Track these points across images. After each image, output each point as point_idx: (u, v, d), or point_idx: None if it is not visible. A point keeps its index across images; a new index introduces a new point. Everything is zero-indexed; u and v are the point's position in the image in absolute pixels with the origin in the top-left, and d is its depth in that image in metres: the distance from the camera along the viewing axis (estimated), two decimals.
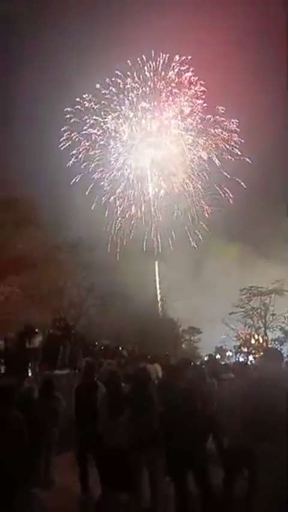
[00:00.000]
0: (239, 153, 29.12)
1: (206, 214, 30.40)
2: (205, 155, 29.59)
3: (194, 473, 4.12)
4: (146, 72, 29.11)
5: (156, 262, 30.39)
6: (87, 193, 28.75)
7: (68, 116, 28.46)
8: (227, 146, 29.22)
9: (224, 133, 29.35)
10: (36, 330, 10.48)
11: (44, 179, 22.44)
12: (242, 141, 28.99)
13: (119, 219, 29.81)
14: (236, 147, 29.02)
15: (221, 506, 4.12)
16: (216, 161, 29.44)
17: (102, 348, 14.36)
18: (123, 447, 4.61)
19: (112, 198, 29.74)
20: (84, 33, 23.82)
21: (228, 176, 29.36)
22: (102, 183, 29.64)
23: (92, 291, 23.41)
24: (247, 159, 28.84)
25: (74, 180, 28.42)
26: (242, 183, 28.97)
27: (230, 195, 29.57)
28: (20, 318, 15.49)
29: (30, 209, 18.41)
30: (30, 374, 7.84)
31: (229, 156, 29.32)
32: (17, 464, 4.02)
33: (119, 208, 30.02)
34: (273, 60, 22.59)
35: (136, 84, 29.20)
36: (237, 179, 28.92)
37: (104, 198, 29.71)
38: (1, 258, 16.17)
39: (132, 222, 29.94)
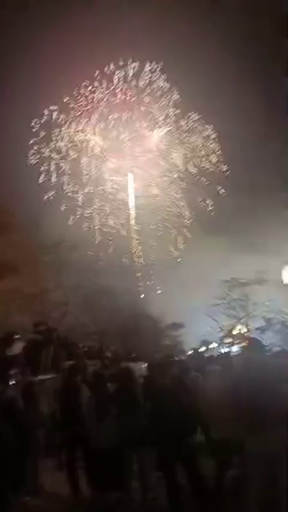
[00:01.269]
0: (214, 160, 29.29)
1: (187, 221, 30.50)
2: (181, 164, 29.64)
3: (184, 466, 4.12)
4: (116, 82, 28.65)
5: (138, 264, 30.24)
6: (62, 209, 28.00)
7: (36, 129, 27.64)
8: (203, 153, 29.34)
9: (199, 140, 29.42)
10: (17, 336, 10.26)
11: (18, 195, 21.80)
12: (219, 147, 29.11)
13: (97, 233, 29.34)
14: (213, 154, 29.16)
15: (214, 496, 4.14)
16: (193, 169, 29.55)
17: (86, 349, 14.23)
18: (112, 447, 4.58)
19: (88, 212, 29.22)
20: (50, 42, 23.15)
21: (205, 182, 29.43)
22: (76, 196, 29.00)
23: (76, 290, 23.18)
24: (224, 167, 29.01)
25: (47, 197, 27.60)
26: (220, 189, 29.07)
27: (209, 201, 29.70)
28: (1, 323, 15.23)
29: (7, 216, 18.07)
30: (13, 381, 7.66)
31: (206, 164, 29.48)
32: (5, 475, 3.91)
33: (96, 224, 29.52)
34: (252, 65, 23.02)
35: (106, 95, 28.74)
36: (216, 186, 29.02)
37: (78, 213, 29.05)
38: None
39: (111, 238, 29.51)
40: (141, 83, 28.74)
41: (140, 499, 4.76)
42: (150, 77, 28.50)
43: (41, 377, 9.28)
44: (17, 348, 9.87)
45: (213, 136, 29.22)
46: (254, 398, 3.64)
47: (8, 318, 16.80)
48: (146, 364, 7.98)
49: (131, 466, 4.96)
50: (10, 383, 6.58)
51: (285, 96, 22.51)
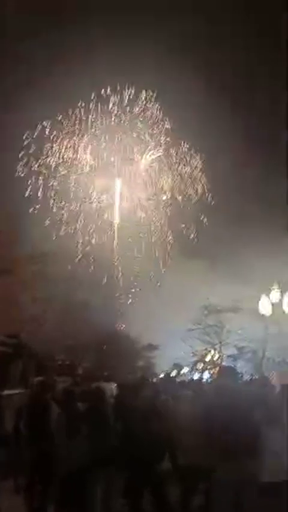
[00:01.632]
0: (199, 189, 30.14)
1: (169, 246, 31.01)
2: (167, 189, 30.32)
3: (150, 492, 4.01)
4: (111, 105, 29.32)
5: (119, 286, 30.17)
6: (46, 225, 27.93)
7: (27, 142, 27.76)
8: (190, 183, 30.18)
9: (186, 169, 30.22)
10: None
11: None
12: (204, 177, 30.11)
13: (79, 251, 29.30)
14: (198, 183, 30.03)
15: None
16: (179, 196, 30.24)
17: (59, 362, 13.90)
18: (79, 467, 4.44)
19: (72, 229, 29.25)
20: (50, 58, 23.39)
21: (189, 209, 30.11)
22: (61, 212, 29.00)
23: (51, 304, 22.77)
24: (209, 198, 29.81)
25: (32, 210, 27.44)
26: (203, 218, 29.81)
27: (192, 228, 30.38)
28: None
29: None
30: None
31: (191, 192, 30.32)
32: None
33: (79, 241, 29.53)
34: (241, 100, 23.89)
35: (99, 117, 29.28)
36: (199, 214, 29.74)
37: (63, 230, 29.02)
38: None
39: (92, 257, 29.52)
40: (135, 109, 29.44)
41: None
42: (144, 104, 29.22)
43: (7, 392, 8.99)
44: None
45: (200, 166, 29.96)
46: (226, 425, 3.61)
47: None
48: (116, 384, 7.84)
49: (97, 489, 4.80)
50: None
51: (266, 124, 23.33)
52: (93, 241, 29.47)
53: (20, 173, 27.29)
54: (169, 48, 23.65)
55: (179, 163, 30.00)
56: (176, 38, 24.04)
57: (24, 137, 26.92)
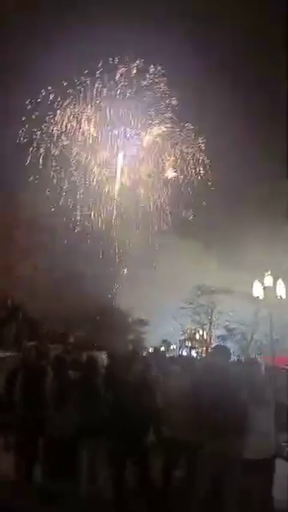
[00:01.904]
0: (202, 172, 29.67)
1: (165, 224, 30.76)
2: (169, 170, 29.84)
3: (134, 462, 4.15)
4: (118, 76, 28.24)
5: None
6: (47, 192, 27.32)
7: (30, 107, 26.80)
8: (192, 163, 29.63)
9: (189, 149, 29.66)
10: None
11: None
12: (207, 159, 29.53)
13: (78, 222, 28.97)
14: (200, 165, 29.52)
15: (159, 495, 4.18)
16: (180, 177, 29.77)
17: (50, 331, 14.07)
18: (68, 434, 4.57)
19: (71, 201, 28.77)
20: (56, 23, 22.33)
21: (190, 193, 29.73)
22: (62, 183, 28.44)
23: (46, 272, 22.83)
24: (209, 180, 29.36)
25: (32, 178, 26.84)
26: (203, 201, 29.41)
27: (190, 210, 30.04)
28: None
29: None
30: None
31: (193, 174, 29.85)
32: None
33: (77, 213, 29.11)
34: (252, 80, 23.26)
35: (105, 87, 28.30)
36: (199, 196, 29.35)
37: (62, 201, 28.53)
38: None
39: (90, 229, 29.23)
40: (143, 82, 28.53)
41: (87, 490, 4.76)
42: (152, 79, 28.32)
43: (1, 354, 9.13)
44: None
45: (202, 146, 29.49)
46: (214, 402, 3.69)
47: None
48: (106, 354, 7.95)
49: (83, 456, 4.97)
50: None
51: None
52: (92, 214, 29.28)
53: (22, 139, 26.71)
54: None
55: (182, 142, 29.60)
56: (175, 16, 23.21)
57: (27, 102, 26.27)
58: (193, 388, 4.19)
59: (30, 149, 26.91)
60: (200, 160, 29.49)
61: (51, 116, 27.48)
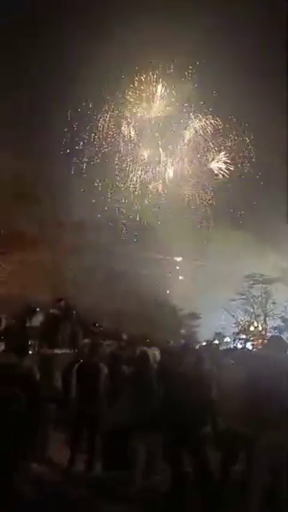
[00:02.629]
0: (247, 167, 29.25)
1: (212, 218, 30.54)
2: (215, 164, 29.56)
3: (191, 455, 4.14)
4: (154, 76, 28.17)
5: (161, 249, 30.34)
6: (93, 201, 27.88)
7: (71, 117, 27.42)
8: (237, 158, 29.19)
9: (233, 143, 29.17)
10: (37, 309, 10.49)
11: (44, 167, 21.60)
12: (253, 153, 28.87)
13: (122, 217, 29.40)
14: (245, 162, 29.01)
15: (217, 487, 4.15)
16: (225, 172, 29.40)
17: (102, 329, 14.39)
18: (123, 427, 4.67)
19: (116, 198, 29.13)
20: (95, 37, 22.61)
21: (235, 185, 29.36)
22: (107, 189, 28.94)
23: (96, 272, 23.42)
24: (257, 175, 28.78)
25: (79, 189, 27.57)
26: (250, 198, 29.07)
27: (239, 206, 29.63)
28: (21, 295, 15.57)
29: (30, 185, 17.97)
30: (30, 352, 7.85)
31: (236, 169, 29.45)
32: (15, 440, 4.04)
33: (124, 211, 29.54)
34: None
35: (143, 88, 28.42)
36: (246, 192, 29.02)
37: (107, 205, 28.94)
38: (3, 233, 16.06)
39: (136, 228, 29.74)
40: (181, 79, 28.32)
41: (144, 482, 4.84)
42: (191, 74, 27.96)
43: (57, 351, 9.48)
44: (36, 320, 10.11)
45: (248, 141, 28.90)
46: (269, 395, 3.60)
47: (27, 290, 17.15)
48: (159, 350, 7.99)
49: (140, 449, 5.05)
50: (28, 354, 6.72)
51: None
52: (137, 215, 29.59)
53: (65, 150, 27.36)
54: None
55: (227, 137, 29.03)
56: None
57: (68, 113, 26.86)
58: (247, 380, 4.11)
59: (74, 159, 27.65)
60: (247, 156, 29.00)
61: (91, 125, 28.06)
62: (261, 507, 3.54)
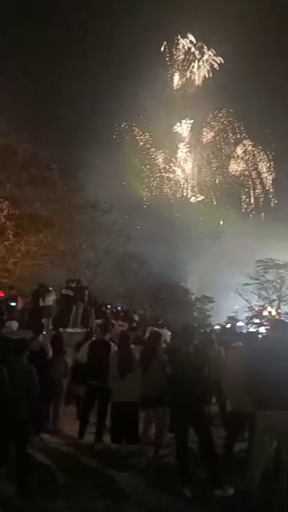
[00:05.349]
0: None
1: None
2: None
3: (195, 430, 4.29)
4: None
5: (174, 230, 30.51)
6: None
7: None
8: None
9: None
10: (50, 289, 10.73)
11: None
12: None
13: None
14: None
15: (221, 462, 4.31)
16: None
17: (114, 310, 14.64)
18: (131, 402, 4.88)
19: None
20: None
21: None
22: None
23: (109, 253, 23.57)
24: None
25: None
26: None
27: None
28: (36, 276, 15.85)
29: (46, 166, 17.98)
30: (44, 330, 8.11)
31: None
32: (28, 411, 4.24)
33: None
34: None
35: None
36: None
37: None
38: (19, 215, 16.22)
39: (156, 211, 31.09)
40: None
41: (152, 454, 5.05)
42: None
43: (70, 330, 9.74)
44: (50, 300, 10.37)
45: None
46: (271, 374, 3.68)
47: (42, 271, 17.39)
48: (171, 332, 8.13)
49: (148, 423, 5.27)
50: (42, 332, 6.95)
51: None
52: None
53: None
54: None
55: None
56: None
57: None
58: (252, 360, 4.19)
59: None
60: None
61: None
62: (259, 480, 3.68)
